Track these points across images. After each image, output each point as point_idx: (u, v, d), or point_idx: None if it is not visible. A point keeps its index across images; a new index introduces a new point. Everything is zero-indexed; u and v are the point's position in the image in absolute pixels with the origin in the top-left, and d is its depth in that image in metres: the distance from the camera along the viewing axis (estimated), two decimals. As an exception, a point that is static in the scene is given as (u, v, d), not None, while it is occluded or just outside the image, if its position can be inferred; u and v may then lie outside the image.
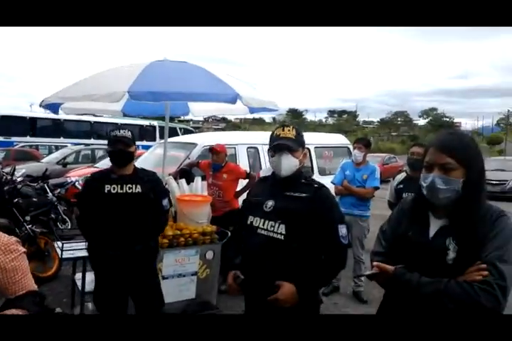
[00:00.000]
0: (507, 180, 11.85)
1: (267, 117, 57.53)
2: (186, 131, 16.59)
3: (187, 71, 3.57)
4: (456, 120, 70.64)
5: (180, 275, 2.94)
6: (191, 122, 42.57)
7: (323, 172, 6.28)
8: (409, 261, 1.34)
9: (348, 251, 1.83)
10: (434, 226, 1.36)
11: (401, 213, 1.50)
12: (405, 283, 1.27)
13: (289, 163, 1.77)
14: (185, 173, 4.16)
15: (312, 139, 6.54)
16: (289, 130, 1.80)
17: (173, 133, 13.47)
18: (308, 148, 6.71)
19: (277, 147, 1.76)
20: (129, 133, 2.40)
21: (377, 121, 69.47)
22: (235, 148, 5.44)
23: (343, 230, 1.73)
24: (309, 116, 69.93)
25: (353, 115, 66.33)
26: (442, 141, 1.36)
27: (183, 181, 3.85)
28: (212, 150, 4.09)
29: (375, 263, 1.38)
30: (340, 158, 6.38)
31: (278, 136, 1.80)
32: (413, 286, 1.25)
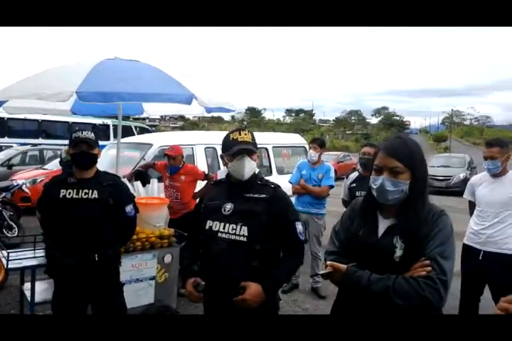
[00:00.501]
0: (451, 176, 12.60)
1: (226, 115, 57.37)
2: (142, 130, 16.11)
3: (139, 70, 3.47)
4: (405, 119, 74.60)
5: (137, 281, 2.86)
6: (147, 120, 41.43)
7: (281, 171, 6.37)
8: (360, 259, 1.41)
9: (304, 247, 1.90)
10: (383, 225, 1.44)
11: (352, 213, 1.57)
12: (357, 280, 1.33)
13: (250, 167, 1.80)
14: (141, 175, 4.06)
15: (270, 139, 6.63)
16: (245, 134, 1.82)
17: (128, 132, 13.05)
18: (266, 148, 6.78)
19: (240, 152, 1.77)
20: (92, 134, 2.30)
21: (333, 120, 71.60)
22: (192, 148, 5.38)
23: (299, 227, 1.81)
24: (267, 115, 70.63)
25: (309, 114, 67.86)
26: (391, 146, 1.45)
27: (138, 183, 3.74)
28: (167, 155, 4.01)
29: (328, 262, 1.44)
30: (297, 157, 6.52)
31: (236, 140, 1.80)
32: (364, 283, 1.32)
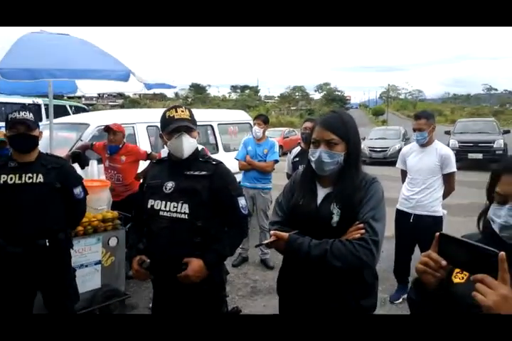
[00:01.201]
0: (388, 147, 13.32)
1: (169, 92, 55.23)
2: (78, 109, 15.05)
3: (70, 45, 3.23)
4: (346, 94, 76.90)
5: (82, 266, 2.77)
6: (83, 99, 38.81)
7: (227, 148, 6.36)
8: (302, 226, 1.50)
9: (248, 221, 1.94)
10: (321, 194, 1.54)
11: (293, 185, 1.65)
12: (298, 246, 1.42)
13: (189, 144, 1.78)
14: (78, 157, 3.84)
15: (215, 116, 6.55)
16: (182, 111, 1.80)
17: (63, 111, 12.10)
18: (211, 125, 6.67)
19: (178, 129, 1.75)
20: (31, 115, 2.15)
21: (278, 96, 71.98)
22: (133, 127, 5.16)
23: (242, 202, 1.84)
24: (212, 91, 69.22)
25: (254, 90, 67.61)
26: (326, 120, 1.53)
27: (76, 166, 3.56)
28: (108, 129, 3.81)
29: (272, 232, 1.52)
30: (243, 134, 6.52)
31: (172, 117, 1.78)
32: (304, 249, 1.41)
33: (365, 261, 1.36)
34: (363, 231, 1.39)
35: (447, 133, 13.08)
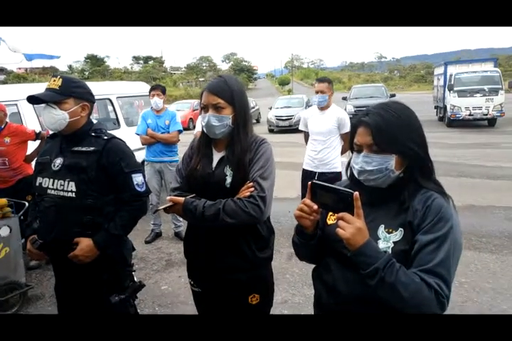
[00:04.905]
0: (293, 115, 13.85)
1: (61, 65, 49.56)
2: None
3: None
4: (253, 64, 77.20)
5: (-31, 261, 2.50)
6: (-47, 75, 32.96)
7: (130, 123, 6.02)
8: (199, 190, 1.54)
9: (147, 198, 1.87)
10: (216, 158, 1.58)
11: (191, 151, 1.67)
12: (194, 209, 1.46)
13: (51, 117, 1.67)
14: None
15: (113, 89, 6.10)
16: (54, 80, 1.69)
17: None
18: (109, 99, 6.20)
19: (29, 100, 1.66)
20: None
21: (184, 67, 69.44)
22: (16, 104, 4.58)
23: (138, 179, 1.76)
24: (112, 63, 64.00)
25: (159, 61, 64.18)
26: (212, 85, 1.55)
27: None
28: None
29: (168, 197, 1.52)
30: (146, 107, 6.20)
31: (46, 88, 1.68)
32: (199, 210, 1.45)
33: (254, 215, 1.44)
34: (252, 189, 1.46)
35: (344, 99, 14.10)
